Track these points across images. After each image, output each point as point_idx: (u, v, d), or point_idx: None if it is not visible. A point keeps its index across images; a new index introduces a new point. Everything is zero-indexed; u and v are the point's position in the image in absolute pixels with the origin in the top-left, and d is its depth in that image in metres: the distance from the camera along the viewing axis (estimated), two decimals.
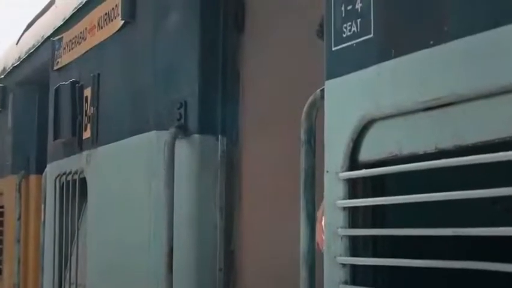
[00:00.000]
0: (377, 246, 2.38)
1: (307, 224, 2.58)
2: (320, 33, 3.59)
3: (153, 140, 3.83)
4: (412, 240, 2.28)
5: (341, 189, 2.39)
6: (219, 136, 3.79)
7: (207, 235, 3.75)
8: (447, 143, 2.02)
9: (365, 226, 2.38)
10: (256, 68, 3.93)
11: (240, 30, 3.90)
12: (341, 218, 2.38)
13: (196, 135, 3.76)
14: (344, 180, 2.37)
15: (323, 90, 2.58)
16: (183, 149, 3.75)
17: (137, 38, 4.10)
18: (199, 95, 3.78)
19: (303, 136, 2.60)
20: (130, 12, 4.12)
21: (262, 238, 3.87)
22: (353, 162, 2.37)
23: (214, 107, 3.79)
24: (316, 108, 2.61)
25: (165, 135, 3.76)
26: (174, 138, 3.70)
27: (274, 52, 3.98)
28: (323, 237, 3.15)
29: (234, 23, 3.87)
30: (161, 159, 3.75)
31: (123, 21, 4.20)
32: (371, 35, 2.28)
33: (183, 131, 3.76)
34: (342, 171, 2.37)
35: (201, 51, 3.80)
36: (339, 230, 2.36)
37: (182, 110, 3.78)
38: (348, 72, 2.38)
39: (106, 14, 4.54)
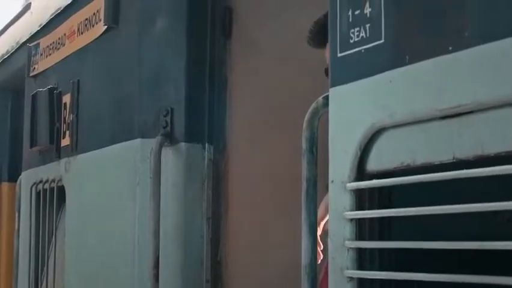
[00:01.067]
0: (384, 258, 2.28)
1: (309, 235, 2.46)
2: (311, 41, 3.49)
3: (138, 148, 3.69)
4: (420, 252, 2.18)
5: (347, 199, 2.28)
6: (206, 144, 3.66)
7: (194, 245, 3.62)
8: (466, 153, 1.93)
9: (371, 238, 2.27)
10: (243, 75, 3.82)
11: (227, 36, 3.78)
12: (347, 229, 2.27)
13: (183, 143, 3.63)
14: (352, 190, 2.26)
15: (325, 98, 2.47)
16: (169, 158, 3.63)
17: (121, 43, 3.96)
18: (186, 102, 3.65)
19: (304, 145, 2.49)
20: (113, 18, 3.98)
21: (249, 248, 3.76)
22: (360, 172, 2.26)
23: (201, 115, 3.67)
24: (319, 116, 2.50)
25: (151, 143, 3.63)
26: (160, 146, 3.58)
27: (262, 59, 3.88)
28: (319, 249, 3.05)
29: (222, 29, 3.75)
30: (147, 167, 3.62)
31: (106, 27, 4.06)
32: (382, 41, 2.17)
33: (169, 139, 3.63)
34: (350, 181, 2.27)
35: (187, 58, 3.67)
36: (347, 242, 2.25)
37: (168, 118, 3.65)
38: (356, 79, 2.27)
39: (86, 19, 4.39)
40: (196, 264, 3.62)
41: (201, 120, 3.67)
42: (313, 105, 2.50)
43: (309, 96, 3.98)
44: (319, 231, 3.05)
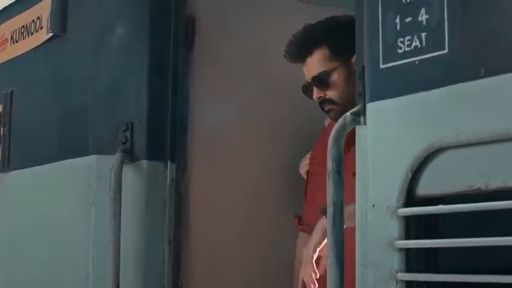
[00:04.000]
0: None
1: (336, 267, 2.13)
2: (288, 55, 3.18)
3: (93, 165, 3.26)
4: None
5: (395, 226, 1.96)
6: (168, 162, 3.27)
7: (155, 271, 3.21)
8: None
9: (419, 268, 1.97)
10: (205, 90, 3.46)
11: (189, 48, 3.41)
12: (396, 260, 1.96)
13: (144, 161, 3.23)
14: (402, 217, 1.95)
15: (354, 113, 2.16)
16: (129, 176, 3.21)
17: (70, 52, 3.52)
18: (148, 117, 3.25)
19: (331, 165, 2.17)
20: (61, 25, 3.54)
21: (211, 274, 3.39)
22: (410, 197, 1.96)
23: (163, 130, 3.28)
24: (346, 133, 2.18)
25: (108, 160, 3.21)
26: (121, 163, 3.16)
27: (225, 73, 3.54)
28: (313, 276, 2.73)
29: (184, 39, 3.38)
30: (104, 186, 3.20)
31: (50, 35, 3.61)
32: (445, 51, 1.88)
33: (130, 155, 3.22)
34: (399, 207, 1.95)
35: (150, 69, 3.27)
36: (400, 274, 1.93)
37: (128, 133, 3.24)
38: (407, 93, 1.97)
39: (23, 26, 3.92)
40: None
41: (163, 136, 3.28)
42: (340, 121, 2.18)
43: (274, 113, 3.68)
44: (314, 258, 2.72)
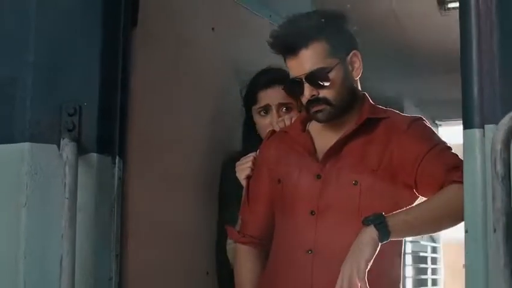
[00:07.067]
0: None
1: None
2: (275, 45, 2.77)
3: (25, 156, 2.50)
4: None
5: None
6: (117, 157, 2.63)
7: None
8: None
9: None
10: (144, 75, 2.88)
11: (134, 24, 2.81)
12: None
13: (94, 155, 2.55)
14: None
15: None
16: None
17: None
18: (100, 100, 2.58)
19: (502, 171, 1.84)
20: None
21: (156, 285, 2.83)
22: None
23: (113, 118, 2.64)
24: None
25: (46, 149, 2.50)
26: (77, 155, 2.48)
27: (170, 56, 2.99)
28: None
29: (131, 14, 2.77)
30: (40, 183, 2.49)
31: None
32: None
33: (79, 146, 2.53)
34: None
35: (102, 44, 2.60)
36: None
37: (76, 118, 2.54)
38: None
39: None
40: None
41: (112, 125, 2.63)
42: (507, 119, 1.86)
43: (215, 108, 3.20)
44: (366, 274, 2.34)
